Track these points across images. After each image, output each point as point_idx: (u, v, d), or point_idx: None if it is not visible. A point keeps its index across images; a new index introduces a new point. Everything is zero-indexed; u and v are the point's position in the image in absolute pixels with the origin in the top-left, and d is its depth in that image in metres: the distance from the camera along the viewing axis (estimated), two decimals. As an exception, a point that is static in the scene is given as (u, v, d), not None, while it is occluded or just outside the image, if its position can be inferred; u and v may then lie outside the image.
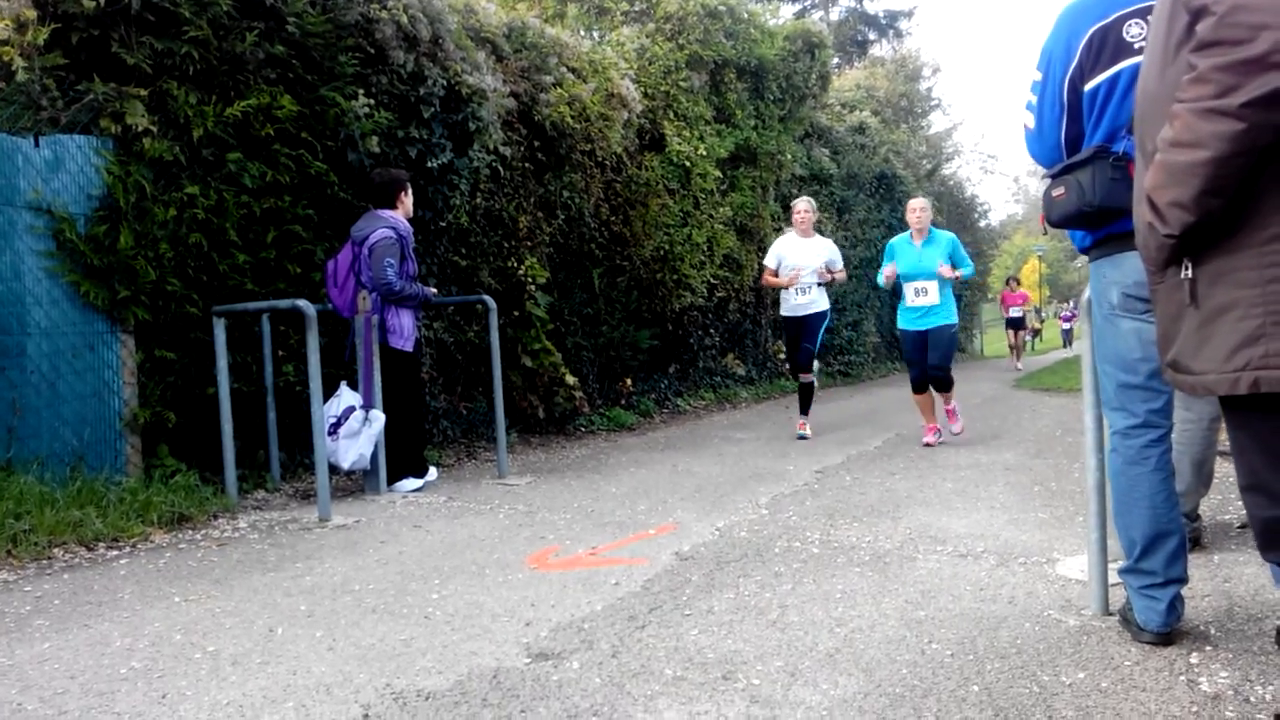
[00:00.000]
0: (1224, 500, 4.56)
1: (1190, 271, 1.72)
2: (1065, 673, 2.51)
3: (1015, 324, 20.40)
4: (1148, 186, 1.80)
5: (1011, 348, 20.55)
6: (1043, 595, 3.22)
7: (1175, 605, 2.66)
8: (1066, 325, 36.69)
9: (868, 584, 3.40)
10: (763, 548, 4.00)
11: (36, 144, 4.66)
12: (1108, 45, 2.51)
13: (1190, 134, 1.63)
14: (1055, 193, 2.65)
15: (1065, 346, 35.32)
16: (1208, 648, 2.65)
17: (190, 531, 4.49)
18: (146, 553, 4.11)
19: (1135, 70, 2.39)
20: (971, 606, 3.12)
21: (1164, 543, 2.62)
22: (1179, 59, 1.74)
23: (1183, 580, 2.66)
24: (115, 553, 4.10)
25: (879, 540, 4.09)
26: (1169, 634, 2.67)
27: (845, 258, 15.75)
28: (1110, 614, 2.93)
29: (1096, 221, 2.60)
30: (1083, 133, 2.63)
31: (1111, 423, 2.75)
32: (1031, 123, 2.74)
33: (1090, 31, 2.54)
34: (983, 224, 27.90)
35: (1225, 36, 1.54)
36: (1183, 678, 2.45)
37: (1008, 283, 21.49)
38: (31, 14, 4.57)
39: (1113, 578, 2.97)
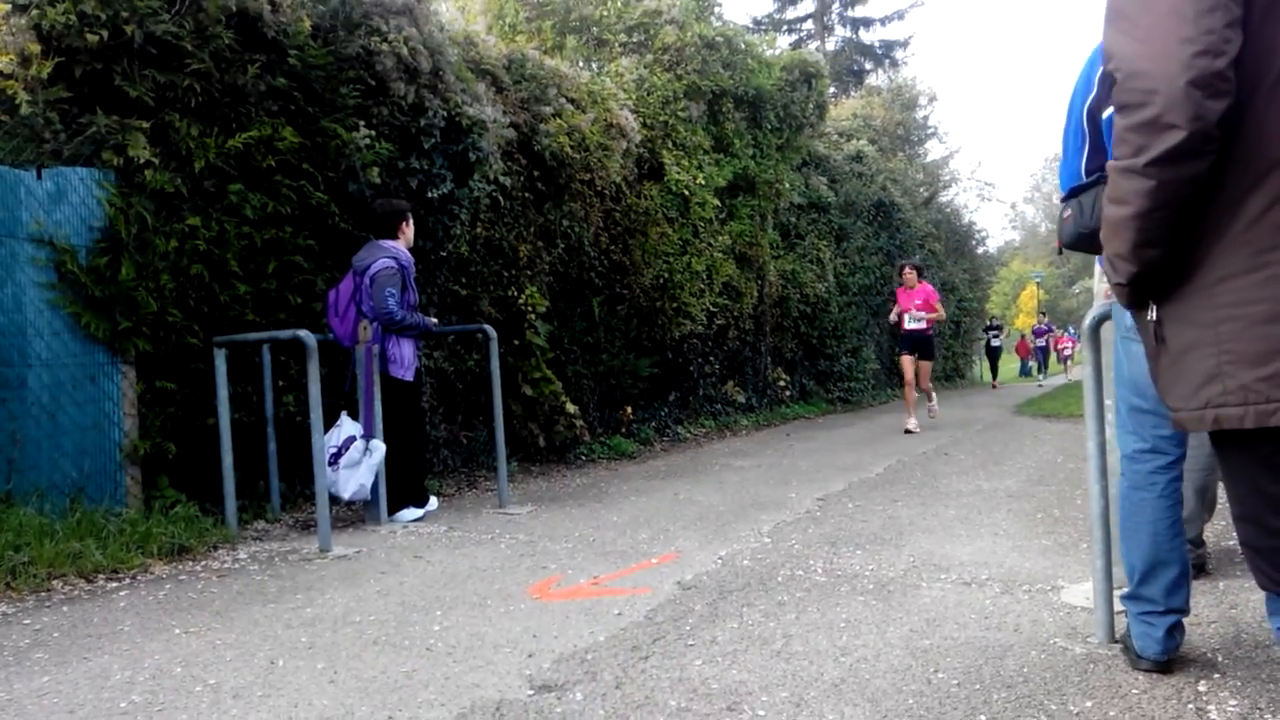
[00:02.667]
0: (1228, 526, 4.54)
1: (1155, 314, 1.80)
2: (1072, 701, 2.49)
3: (917, 345, 10.93)
4: (1101, 238, 1.89)
5: (913, 385, 10.95)
6: (1048, 623, 3.21)
7: (1173, 633, 2.64)
8: (1040, 342, 28.80)
9: (872, 613, 3.38)
10: (766, 576, 3.98)
11: (39, 176, 4.68)
12: None
13: (1116, 190, 1.73)
14: (1065, 215, 2.72)
15: (1037, 374, 28.55)
16: (1215, 675, 2.64)
17: (190, 563, 4.47)
18: (146, 584, 4.09)
19: None
20: (977, 635, 3.10)
21: (1164, 571, 2.62)
22: None
23: (1183, 611, 2.65)
24: (115, 584, 4.08)
25: (883, 568, 4.07)
26: (1166, 662, 2.66)
27: (844, 285, 16.08)
28: (1116, 642, 2.91)
29: (1099, 244, 2.63)
30: (1105, 162, 2.70)
31: (1122, 445, 2.77)
32: (1060, 154, 2.84)
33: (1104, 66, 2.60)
34: (980, 250, 28.02)
35: (1126, 101, 1.64)
36: (1191, 706, 2.43)
37: (901, 272, 11.35)
38: (36, 48, 4.60)
39: (1118, 605, 2.96)
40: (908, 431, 10.44)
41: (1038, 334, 29.10)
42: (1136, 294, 1.82)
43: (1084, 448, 3.04)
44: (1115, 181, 1.72)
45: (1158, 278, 1.76)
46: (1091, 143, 2.69)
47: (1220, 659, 2.78)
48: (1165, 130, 1.58)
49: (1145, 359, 2.60)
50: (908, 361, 11.00)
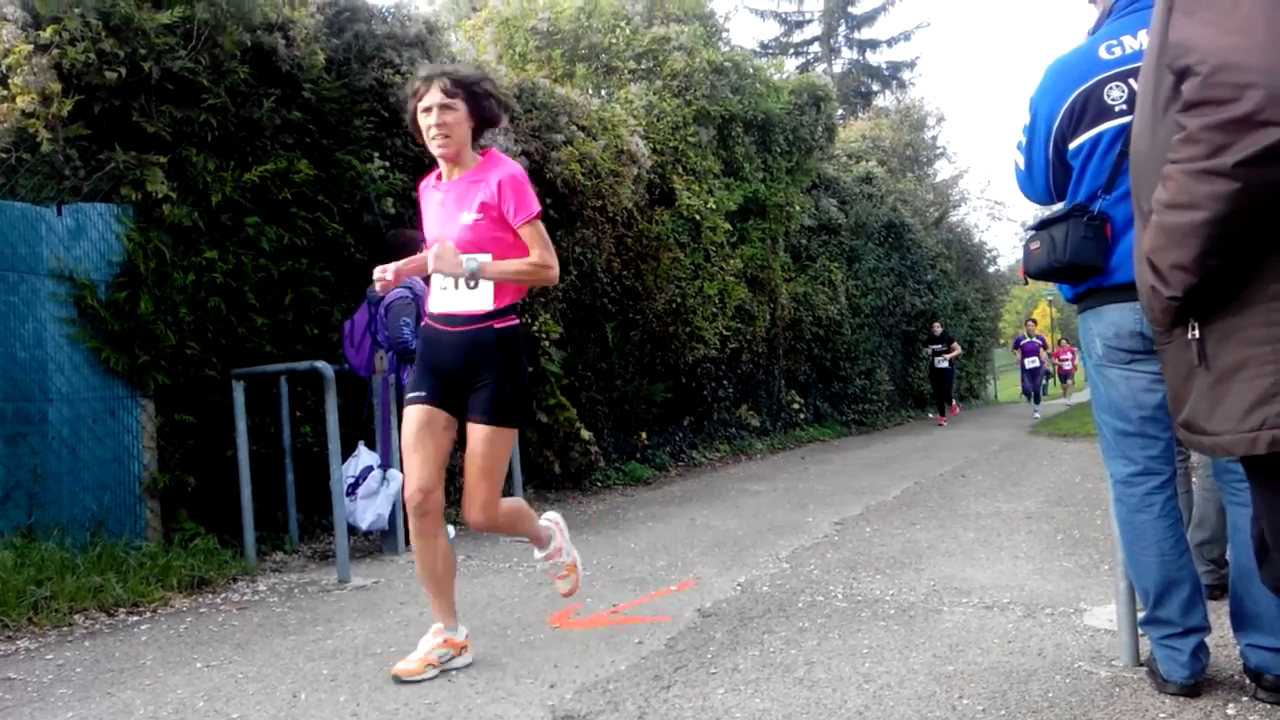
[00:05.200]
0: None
1: (1197, 331, 1.68)
2: (1100, 727, 2.47)
3: (453, 375, 3.10)
4: (1146, 249, 1.75)
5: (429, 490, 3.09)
6: (1072, 647, 3.18)
7: (1199, 655, 2.61)
8: (1032, 362, 19.28)
9: (894, 638, 3.36)
10: (786, 602, 3.97)
11: (59, 213, 4.74)
12: (1089, 108, 2.58)
13: (1185, 195, 1.60)
14: (1032, 246, 2.72)
15: (1031, 401, 19.00)
16: (1243, 698, 2.61)
17: (210, 595, 4.48)
18: (167, 618, 4.10)
19: (1116, 132, 2.49)
20: (1001, 660, 3.08)
21: (1177, 590, 2.59)
22: (1167, 118, 1.71)
23: (1203, 629, 2.61)
24: (136, 618, 4.09)
25: (903, 593, 4.05)
26: (1194, 685, 2.62)
27: (856, 307, 16.01)
28: (1141, 665, 2.89)
29: (1071, 276, 2.65)
30: (1069, 181, 2.72)
31: (1112, 471, 2.75)
32: (1022, 163, 2.83)
33: (1073, 96, 2.61)
34: (992, 270, 27.95)
35: (1211, 96, 1.52)
36: (1220, 731, 2.40)
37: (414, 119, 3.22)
38: (56, 87, 4.67)
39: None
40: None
41: (1025, 350, 19.60)
42: (1183, 310, 1.70)
43: (1102, 467, 3.02)
44: (1185, 185, 1.59)
45: (1211, 290, 1.64)
46: (1054, 166, 2.73)
47: (1248, 681, 2.74)
48: (1259, 128, 1.46)
49: (1128, 375, 2.60)
50: (417, 417, 3.11)
